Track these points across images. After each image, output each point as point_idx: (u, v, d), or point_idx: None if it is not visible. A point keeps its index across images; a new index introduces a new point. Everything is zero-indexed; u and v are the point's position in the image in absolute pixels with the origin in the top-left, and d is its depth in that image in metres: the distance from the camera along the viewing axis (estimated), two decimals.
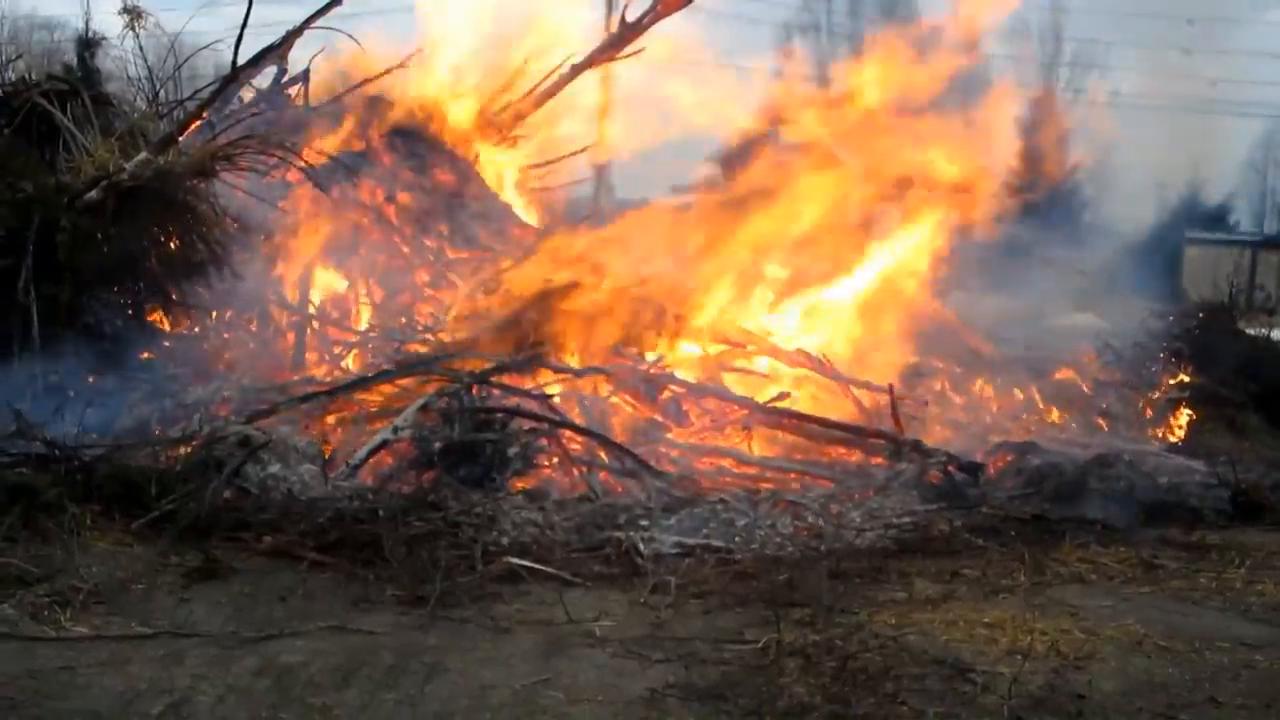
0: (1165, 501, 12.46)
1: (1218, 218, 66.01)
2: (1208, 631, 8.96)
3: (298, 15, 17.92)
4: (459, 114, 20.28)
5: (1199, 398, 17.51)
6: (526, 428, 12.73)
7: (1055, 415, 16.97)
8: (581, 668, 7.98)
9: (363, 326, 16.44)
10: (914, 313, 17.66)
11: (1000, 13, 19.35)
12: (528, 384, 13.97)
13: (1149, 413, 17.30)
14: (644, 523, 11.02)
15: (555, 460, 12.69)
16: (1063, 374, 18.19)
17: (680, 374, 15.07)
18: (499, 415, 12.80)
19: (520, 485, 11.96)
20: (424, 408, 12.86)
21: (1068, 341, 19.47)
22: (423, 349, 15.16)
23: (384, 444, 12.44)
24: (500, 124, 21.06)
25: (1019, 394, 17.44)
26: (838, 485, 12.88)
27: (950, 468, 13.03)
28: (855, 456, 14.12)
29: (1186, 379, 17.94)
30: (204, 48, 18.63)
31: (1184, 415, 17.21)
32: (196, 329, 15.29)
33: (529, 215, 20.19)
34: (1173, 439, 16.51)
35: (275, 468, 11.40)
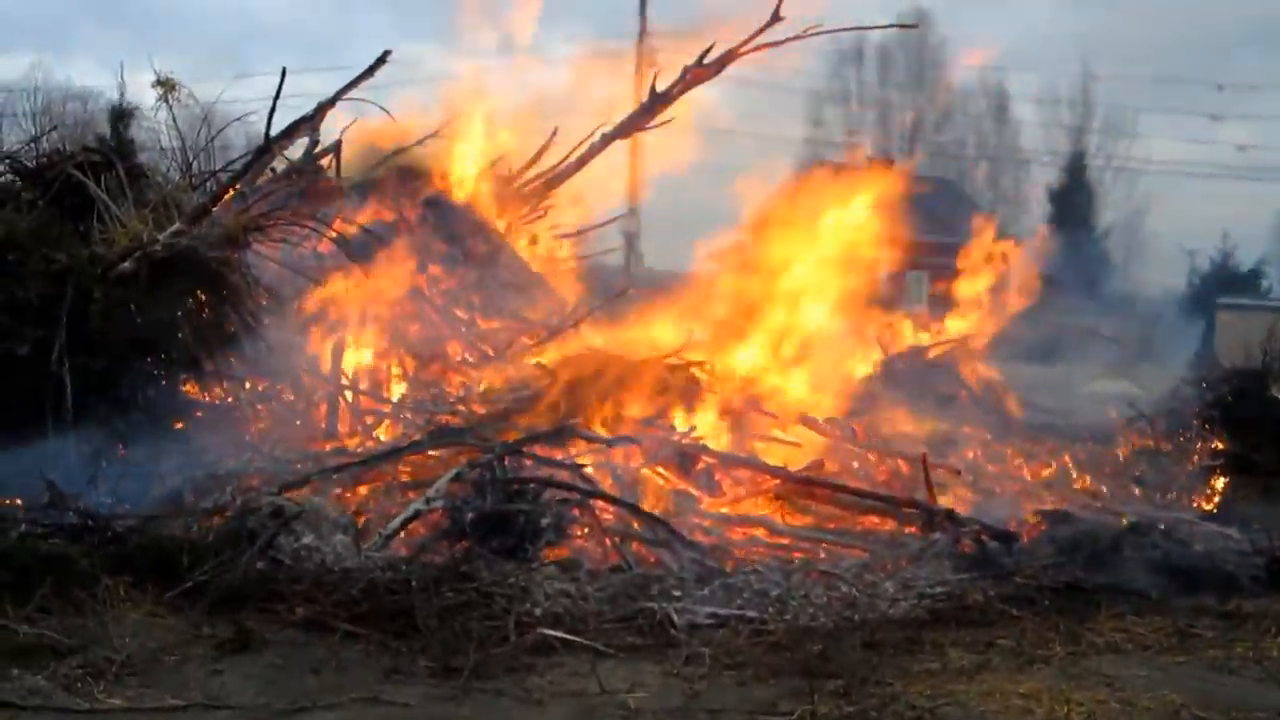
0: (1200, 569, 12.36)
1: (1250, 282, 66.03)
2: (1245, 701, 8.90)
3: (330, 87, 18.01)
4: (490, 185, 20.36)
5: (1233, 464, 17.40)
6: (559, 498, 12.70)
7: (1088, 483, 16.91)
8: None
9: (395, 397, 16.46)
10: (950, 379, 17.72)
11: None
12: (559, 455, 13.95)
13: (1183, 480, 17.21)
14: (677, 593, 10.99)
15: (588, 530, 12.65)
16: (1095, 441, 18.15)
17: (711, 444, 15.06)
18: (531, 485, 12.78)
19: (553, 555, 11.92)
20: (456, 478, 12.84)
21: (1100, 408, 19.44)
22: (455, 420, 15.17)
23: (416, 514, 12.42)
24: (531, 194, 21.15)
25: (1052, 462, 17.41)
26: (871, 555, 12.83)
27: (983, 536, 12.96)
28: (888, 526, 14.08)
29: (1220, 445, 17.85)
30: (237, 119, 18.70)
31: (1218, 482, 17.11)
32: (229, 399, 15.33)
33: (560, 285, 20.23)
34: (1207, 506, 16.40)
35: (308, 538, 11.39)
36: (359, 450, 14.71)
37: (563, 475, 13.29)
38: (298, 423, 15.58)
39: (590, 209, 22.47)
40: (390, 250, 17.12)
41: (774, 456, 15.34)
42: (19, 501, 12.43)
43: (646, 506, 13.23)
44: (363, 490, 13.71)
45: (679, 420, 15.44)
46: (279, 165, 18.20)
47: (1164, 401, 18.96)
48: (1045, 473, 17.10)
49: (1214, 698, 8.91)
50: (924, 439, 16.44)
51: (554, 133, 21.34)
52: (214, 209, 15.43)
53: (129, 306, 14.17)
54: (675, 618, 10.36)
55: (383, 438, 15.47)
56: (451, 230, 19.06)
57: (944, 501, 14.22)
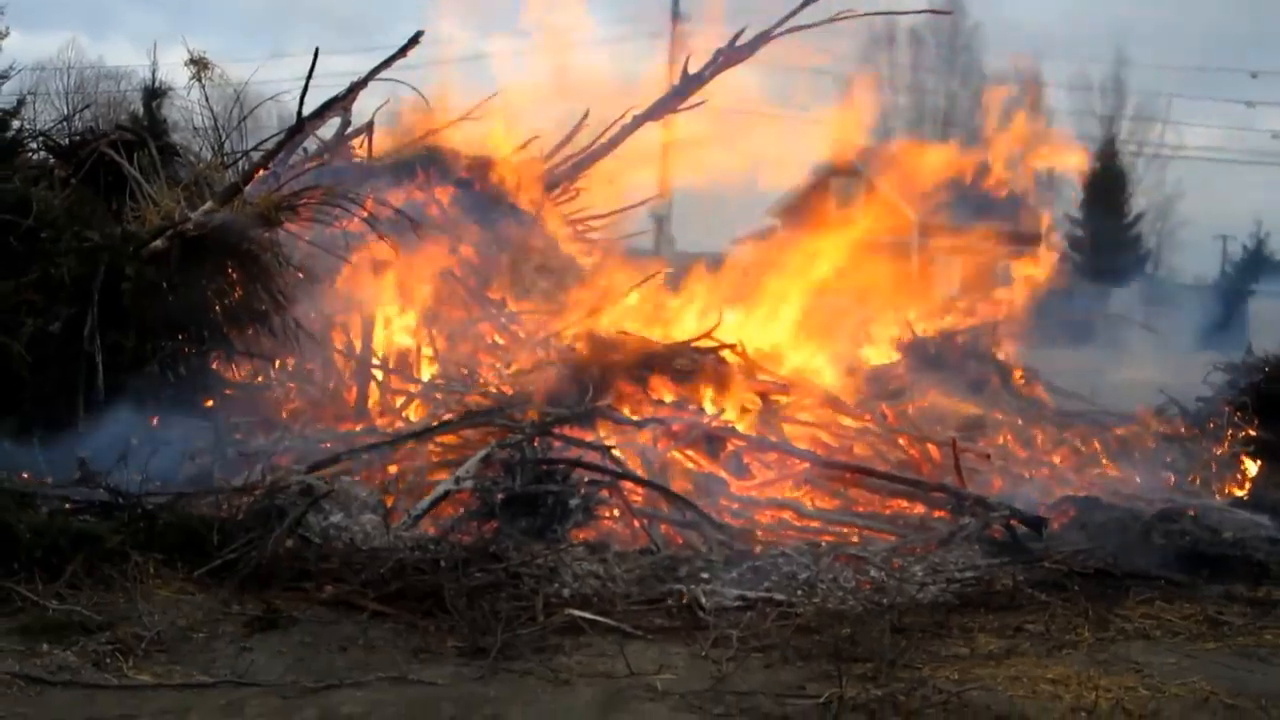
0: (1230, 556, 12.30)
1: None
2: (1275, 689, 8.86)
3: (363, 66, 18.00)
4: (522, 166, 20.34)
5: (1264, 451, 17.33)
6: (588, 479, 12.71)
7: (1118, 469, 16.84)
8: None
9: (425, 377, 16.47)
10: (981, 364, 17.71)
11: None
12: (588, 436, 13.95)
13: (1214, 466, 17.14)
14: (705, 575, 10.98)
15: (616, 512, 12.67)
16: (1126, 428, 18.09)
17: (740, 427, 15.04)
18: (560, 466, 12.79)
19: (581, 536, 11.93)
20: (486, 459, 12.86)
21: (1132, 395, 19.37)
22: (485, 400, 15.17)
23: (446, 494, 12.44)
24: (563, 175, 21.13)
25: (1082, 447, 17.35)
26: (900, 539, 12.81)
27: (1013, 521, 12.92)
28: (917, 510, 14.06)
29: (1251, 432, 17.76)
30: (269, 99, 18.75)
31: (1249, 469, 17.04)
32: (260, 378, 15.36)
33: (591, 267, 20.20)
34: (1238, 493, 16.33)
35: (337, 517, 11.41)
36: (389, 430, 14.73)
37: (592, 456, 13.30)
38: (328, 402, 15.60)
39: (622, 191, 22.41)
40: (422, 231, 17.10)
41: (802, 440, 15.33)
42: (50, 478, 12.46)
43: (675, 489, 13.21)
44: (392, 470, 13.73)
45: (708, 403, 15.41)
46: (311, 145, 18.23)
47: (1196, 388, 18.89)
48: (1075, 458, 17.03)
49: (1244, 685, 8.88)
50: (954, 423, 16.41)
51: (585, 114, 21.32)
52: (246, 188, 15.45)
53: (161, 285, 14.22)
54: (703, 600, 10.37)
55: (412, 418, 15.48)
56: (483, 212, 19.05)
57: (974, 486, 14.18)
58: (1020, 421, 17.53)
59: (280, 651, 9.06)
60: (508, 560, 10.73)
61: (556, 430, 13.77)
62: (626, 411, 14.80)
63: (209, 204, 14.73)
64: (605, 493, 12.69)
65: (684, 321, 17.09)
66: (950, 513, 13.63)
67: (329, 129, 18.63)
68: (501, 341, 17.24)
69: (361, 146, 19.20)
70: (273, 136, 17.36)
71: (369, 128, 19.15)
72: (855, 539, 12.94)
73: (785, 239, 19.21)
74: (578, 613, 9.84)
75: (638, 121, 21.60)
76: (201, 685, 8.36)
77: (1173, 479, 16.66)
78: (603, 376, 15.10)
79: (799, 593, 10.83)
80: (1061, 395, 19.75)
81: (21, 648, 8.76)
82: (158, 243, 14.26)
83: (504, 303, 17.93)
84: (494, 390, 15.56)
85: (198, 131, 17.68)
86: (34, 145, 16.72)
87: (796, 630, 9.82)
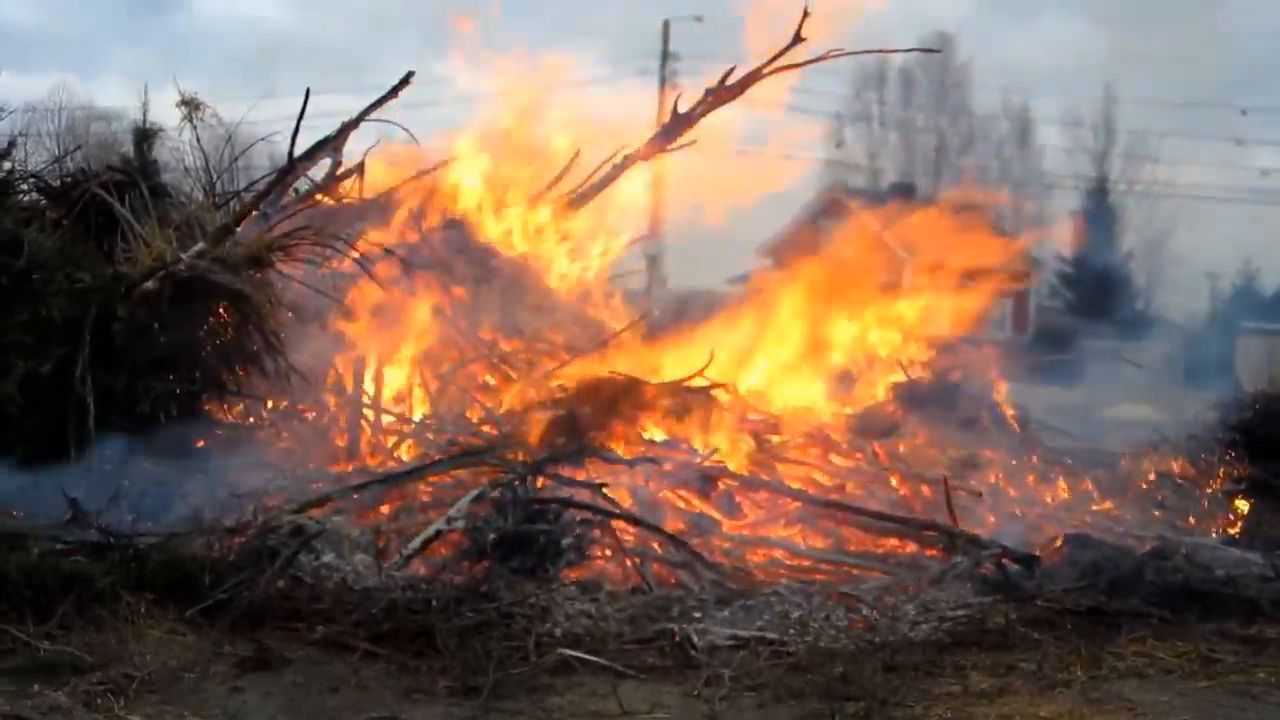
0: (1222, 594, 12.29)
1: (1273, 307, 65.85)
2: None
3: (354, 107, 18.03)
4: (513, 206, 20.34)
5: (1256, 489, 17.36)
6: (580, 518, 12.69)
7: (1110, 507, 16.83)
8: None
9: (417, 417, 16.46)
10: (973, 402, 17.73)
11: None
12: (580, 475, 13.94)
13: (1205, 504, 17.15)
14: (698, 614, 10.97)
15: (608, 551, 12.65)
16: (1118, 465, 18.10)
17: (732, 466, 15.05)
18: (552, 506, 12.78)
19: (573, 576, 11.91)
20: (477, 498, 12.85)
21: (1123, 433, 19.39)
22: (476, 440, 15.17)
23: (437, 534, 12.43)
24: (553, 215, 21.12)
25: (1074, 485, 17.35)
26: (892, 577, 12.81)
27: (1005, 559, 12.93)
28: (909, 548, 14.05)
29: (1243, 470, 17.79)
30: (260, 139, 18.75)
31: (1241, 507, 17.06)
32: (251, 418, 15.35)
33: (583, 307, 20.21)
34: (1230, 531, 16.33)
35: (329, 557, 11.40)
36: (380, 470, 14.72)
37: (584, 495, 13.28)
38: (319, 442, 15.58)
39: (613, 230, 22.40)
40: (413, 271, 17.11)
41: (794, 478, 15.35)
42: (41, 519, 12.44)
43: (667, 528, 13.21)
44: (384, 510, 13.72)
45: (699, 442, 15.41)
46: (302, 185, 18.24)
47: (1187, 426, 18.92)
48: (1067, 496, 17.02)
49: None
50: (946, 462, 16.42)
51: (576, 154, 21.31)
52: (238, 229, 15.47)
53: (152, 325, 14.24)
54: (696, 639, 10.35)
55: (404, 457, 15.47)
56: (474, 252, 19.04)
57: (965, 524, 14.17)
58: (1012, 459, 17.52)
59: (271, 692, 9.05)
60: (499, 600, 10.71)
61: (548, 469, 13.77)
62: (618, 451, 14.80)
63: (200, 245, 14.75)
64: (597, 532, 12.67)
65: (676, 360, 17.07)
66: (942, 551, 13.62)
67: (320, 169, 18.65)
68: (493, 381, 17.22)
69: (353, 187, 19.18)
70: (264, 177, 17.38)
71: (360, 168, 19.15)
72: (847, 578, 12.93)
73: (777, 279, 19.18)
74: (570, 652, 9.82)
75: (628, 161, 21.61)
76: None
77: (1164, 517, 16.67)
78: (594, 415, 15.10)
79: (791, 631, 10.82)
80: (1053, 432, 19.76)
81: (13, 688, 8.75)
82: (149, 284, 14.27)
83: (495, 342, 17.91)
84: (486, 430, 15.56)
85: (189, 172, 17.69)
86: (25, 187, 16.72)
87: (789, 669, 9.83)
